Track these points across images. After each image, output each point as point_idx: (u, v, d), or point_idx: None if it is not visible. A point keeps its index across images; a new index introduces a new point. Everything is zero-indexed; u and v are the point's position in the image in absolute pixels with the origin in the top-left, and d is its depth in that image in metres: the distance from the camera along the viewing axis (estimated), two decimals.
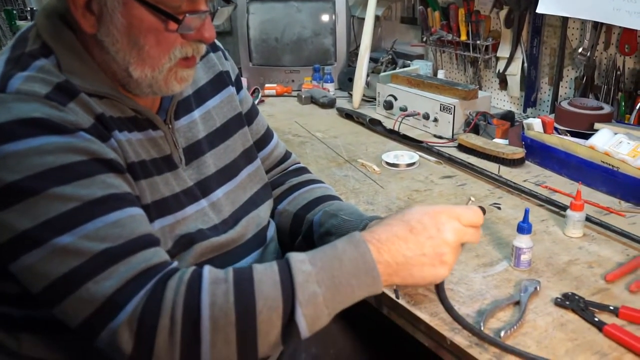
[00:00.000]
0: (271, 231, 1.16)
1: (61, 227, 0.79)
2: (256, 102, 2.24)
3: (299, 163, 1.37)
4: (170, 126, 1.03)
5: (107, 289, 0.78)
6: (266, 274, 0.84)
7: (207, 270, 0.84)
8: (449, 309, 1.02)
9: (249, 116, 1.24)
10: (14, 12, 2.70)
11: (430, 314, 1.02)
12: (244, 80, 2.41)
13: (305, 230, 1.20)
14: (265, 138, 1.28)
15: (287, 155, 1.35)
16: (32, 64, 0.88)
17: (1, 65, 0.88)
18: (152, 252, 0.84)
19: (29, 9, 2.77)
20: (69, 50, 0.91)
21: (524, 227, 1.13)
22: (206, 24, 0.92)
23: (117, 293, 0.79)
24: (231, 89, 1.17)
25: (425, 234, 0.90)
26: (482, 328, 0.96)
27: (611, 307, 1.01)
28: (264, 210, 1.14)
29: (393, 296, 1.06)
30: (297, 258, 0.86)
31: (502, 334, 0.94)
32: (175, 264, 0.87)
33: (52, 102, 0.84)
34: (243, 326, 0.80)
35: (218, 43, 1.19)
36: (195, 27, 0.91)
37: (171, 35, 0.90)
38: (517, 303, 1.03)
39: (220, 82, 1.15)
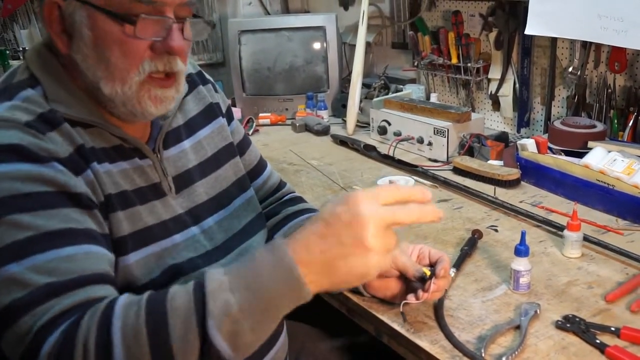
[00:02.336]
0: None
1: (12, 255, 0.78)
2: (250, 131, 2.26)
3: (294, 192, 1.37)
4: (158, 155, 1.03)
5: (40, 323, 0.76)
6: (180, 289, 0.78)
7: (125, 296, 0.80)
8: (449, 336, 1.01)
9: (241, 147, 1.24)
10: (7, 52, 2.71)
11: (431, 342, 1.01)
12: (237, 111, 2.42)
13: None
14: (259, 168, 1.28)
15: (281, 185, 1.34)
16: (18, 94, 0.89)
17: None
18: (97, 288, 0.81)
19: (21, 48, 2.79)
20: (55, 79, 0.92)
21: (521, 250, 1.12)
22: (173, 34, 0.91)
23: (46, 326, 0.76)
24: (221, 120, 1.17)
25: (341, 223, 0.78)
26: (483, 355, 0.95)
27: (612, 328, 1.00)
28: (257, 240, 1.13)
29: (399, 328, 1.05)
30: (214, 270, 0.80)
31: (504, 359, 0.93)
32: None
33: (32, 130, 0.84)
34: (156, 346, 0.74)
35: (208, 77, 1.21)
36: (158, 35, 0.90)
37: (136, 46, 0.89)
38: (518, 327, 1.02)
39: (210, 113, 1.16)
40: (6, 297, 0.77)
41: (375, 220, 0.78)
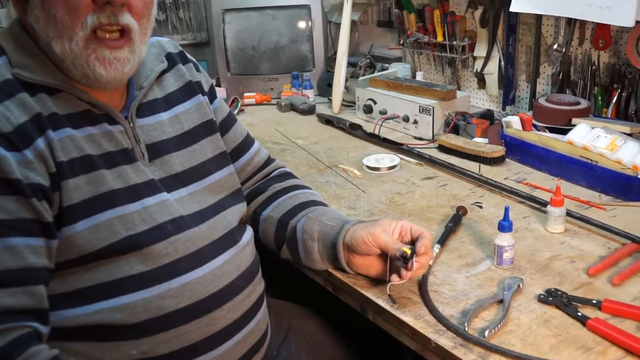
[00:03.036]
0: (247, 235, 1.15)
1: None
2: (236, 111, 2.24)
3: (283, 168, 1.37)
4: (131, 122, 1.03)
5: None
6: None
7: None
8: (433, 310, 1.02)
9: (225, 125, 1.23)
10: None
11: (415, 317, 1.02)
12: (222, 90, 2.40)
13: (289, 236, 1.20)
14: (244, 145, 1.28)
15: (269, 161, 1.34)
16: None
17: None
18: (7, 292, 0.83)
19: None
20: (21, 47, 0.94)
21: (504, 225, 1.13)
22: None
23: None
24: (201, 98, 1.17)
25: None
26: (466, 328, 0.96)
27: (594, 301, 1.01)
28: (232, 213, 1.13)
29: (384, 304, 1.06)
30: None
31: (487, 333, 0.94)
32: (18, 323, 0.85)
33: None
34: None
35: (190, 56, 1.21)
36: None
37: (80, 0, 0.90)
38: (501, 301, 1.03)
39: (189, 90, 1.16)
40: None
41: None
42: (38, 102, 0.91)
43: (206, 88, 1.20)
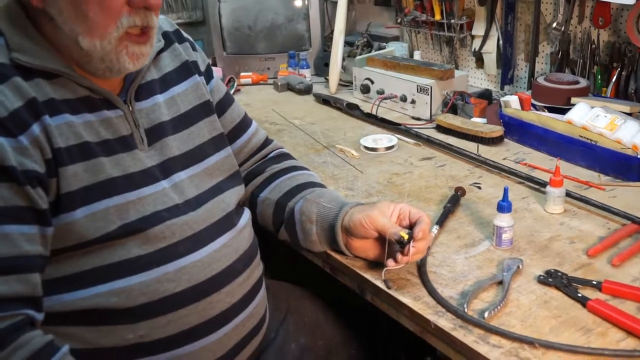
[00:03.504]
0: (245, 218, 1.15)
1: None
2: (232, 91, 2.22)
3: (281, 148, 1.36)
4: (130, 107, 1.02)
5: None
6: None
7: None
8: (432, 292, 1.02)
9: (222, 105, 1.22)
10: None
11: (414, 298, 1.01)
12: (218, 70, 2.38)
13: (287, 218, 1.19)
14: (242, 126, 1.27)
15: (267, 142, 1.33)
16: None
17: None
18: (1, 280, 0.83)
19: None
20: (20, 30, 0.92)
21: (503, 206, 1.12)
22: None
23: None
24: (197, 78, 1.15)
25: None
26: (465, 310, 0.96)
27: (594, 282, 1.01)
28: (230, 195, 1.12)
29: (382, 286, 1.05)
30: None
31: (486, 314, 0.94)
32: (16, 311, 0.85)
33: None
34: None
35: (186, 35, 1.19)
36: None
37: (115, 1, 0.90)
38: (500, 283, 1.03)
39: (186, 70, 1.14)
40: None
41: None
42: (34, 86, 0.90)
43: (202, 68, 1.19)
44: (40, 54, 0.91)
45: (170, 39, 1.14)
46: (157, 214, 0.98)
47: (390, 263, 1.04)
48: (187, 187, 1.05)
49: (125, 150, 0.98)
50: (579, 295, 0.98)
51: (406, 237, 1.02)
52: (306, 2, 2.39)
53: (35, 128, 0.88)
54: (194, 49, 1.19)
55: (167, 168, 1.04)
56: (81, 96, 0.95)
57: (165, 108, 1.08)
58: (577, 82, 1.67)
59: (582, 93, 1.64)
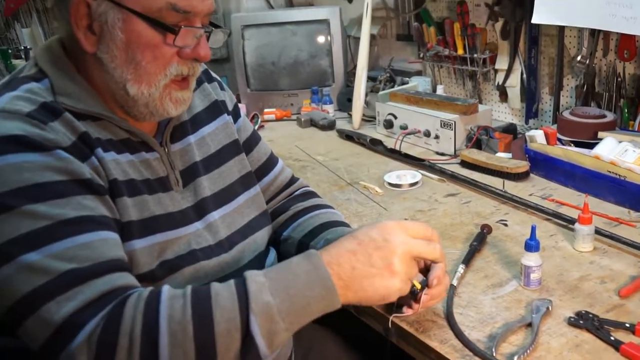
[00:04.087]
0: (270, 258, 1.14)
1: (30, 245, 0.79)
2: (256, 127, 2.22)
3: (307, 187, 1.35)
4: (166, 149, 1.04)
5: (67, 309, 0.77)
6: (223, 287, 0.83)
7: (166, 288, 0.83)
8: (459, 334, 0.99)
9: (249, 144, 1.23)
10: (9, 51, 2.71)
11: (440, 341, 0.99)
12: (242, 107, 2.40)
13: None
14: (269, 164, 1.28)
15: (292, 180, 1.33)
16: (21, 86, 0.91)
17: None
18: (117, 276, 0.83)
19: (22, 47, 2.78)
20: (64, 74, 0.94)
21: (531, 245, 1.10)
22: (201, 43, 0.95)
23: (77, 314, 0.77)
24: (226, 117, 1.17)
25: (373, 245, 0.89)
26: (494, 354, 0.93)
27: (627, 325, 0.97)
28: (261, 236, 1.13)
29: (403, 324, 1.03)
30: (253, 272, 0.86)
31: (515, 358, 0.91)
32: (139, 288, 0.84)
33: (34, 120, 0.85)
34: (201, 340, 0.78)
35: (214, 75, 1.22)
36: (190, 43, 0.94)
37: (167, 51, 0.93)
38: (529, 325, 1.00)
39: (215, 110, 1.16)
40: (25, 285, 0.78)
41: (404, 249, 0.89)
42: (83, 124, 0.92)
43: (230, 107, 1.21)
44: (84, 98, 0.93)
45: (200, 79, 1.15)
46: (193, 252, 0.99)
47: (404, 310, 1.00)
48: (219, 227, 1.06)
49: (164, 191, 1.00)
50: (612, 338, 0.94)
51: (419, 286, 0.97)
52: (329, 38, 2.41)
53: (94, 159, 0.90)
54: (222, 88, 1.21)
55: (200, 209, 1.05)
56: (122, 138, 0.97)
57: (197, 148, 1.10)
58: (603, 116, 1.65)
59: (609, 127, 1.61)
